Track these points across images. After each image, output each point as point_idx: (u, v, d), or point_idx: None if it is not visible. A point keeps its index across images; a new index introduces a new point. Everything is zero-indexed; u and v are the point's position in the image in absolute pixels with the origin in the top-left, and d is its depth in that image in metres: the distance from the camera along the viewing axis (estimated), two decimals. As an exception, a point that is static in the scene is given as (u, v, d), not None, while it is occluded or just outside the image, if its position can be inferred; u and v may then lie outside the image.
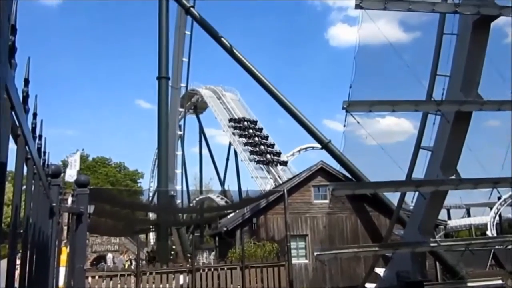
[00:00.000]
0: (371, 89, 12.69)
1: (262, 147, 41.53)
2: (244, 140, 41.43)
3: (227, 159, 48.48)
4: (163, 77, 23.36)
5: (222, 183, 48.26)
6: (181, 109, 30.66)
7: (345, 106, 11.20)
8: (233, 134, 41.79)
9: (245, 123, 43.87)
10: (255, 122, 44.51)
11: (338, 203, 20.35)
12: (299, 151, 48.55)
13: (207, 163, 73.98)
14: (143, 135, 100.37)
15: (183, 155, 31.13)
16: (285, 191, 19.59)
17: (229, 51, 20.44)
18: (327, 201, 20.88)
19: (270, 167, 40.06)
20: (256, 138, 42.46)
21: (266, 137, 43.29)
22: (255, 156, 40.04)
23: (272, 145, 42.47)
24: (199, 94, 49.02)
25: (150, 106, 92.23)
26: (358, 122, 11.42)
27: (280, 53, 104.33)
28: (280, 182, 34.87)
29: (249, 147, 40.69)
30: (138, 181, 59.53)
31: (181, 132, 30.15)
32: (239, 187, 44.12)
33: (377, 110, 11.87)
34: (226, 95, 48.38)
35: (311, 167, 22.06)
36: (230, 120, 43.73)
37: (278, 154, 41.39)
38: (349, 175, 20.04)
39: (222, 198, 36.14)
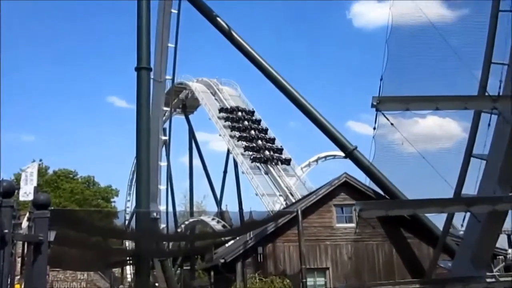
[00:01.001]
0: (407, 82, 12.68)
1: (259, 142, 42.83)
2: (237, 133, 42.69)
3: (225, 172, 48.55)
4: (143, 68, 23.19)
5: (219, 203, 48.35)
6: (166, 108, 30.59)
7: (375, 103, 11.23)
8: (231, 137, 42.47)
9: (239, 113, 44.94)
10: (251, 113, 45.97)
11: (367, 227, 20.32)
12: (316, 160, 48.79)
13: (200, 177, 74.18)
14: (118, 142, 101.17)
15: (168, 166, 30.90)
16: (299, 212, 19.59)
17: (227, 34, 20.52)
18: (353, 224, 20.86)
19: (270, 167, 40.95)
20: (253, 132, 43.86)
21: (265, 130, 44.80)
22: (251, 152, 41.23)
23: (272, 140, 43.79)
24: (189, 89, 49.49)
25: (127, 104, 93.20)
26: (391, 123, 11.43)
27: (291, 39, 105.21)
28: (293, 200, 34.90)
29: (244, 142, 42.06)
30: (112, 200, 59.72)
31: (166, 138, 29.93)
32: (240, 207, 44.13)
33: (416, 108, 11.91)
34: (223, 89, 48.72)
35: (332, 181, 22.07)
36: (221, 110, 44.66)
37: (280, 150, 42.83)
38: (380, 191, 20.02)
39: (218, 222, 36.14)
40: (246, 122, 44.66)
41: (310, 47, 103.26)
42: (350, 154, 20.29)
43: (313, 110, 20.95)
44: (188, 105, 51.09)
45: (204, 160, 50.31)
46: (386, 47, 12.19)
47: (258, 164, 40.65)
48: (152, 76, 24.07)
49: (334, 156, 47.56)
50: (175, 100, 48.75)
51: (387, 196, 19.67)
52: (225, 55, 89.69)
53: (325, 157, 49.02)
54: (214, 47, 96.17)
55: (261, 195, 37.94)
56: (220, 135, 44.22)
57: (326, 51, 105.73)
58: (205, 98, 46.74)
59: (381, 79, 11.74)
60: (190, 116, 51.37)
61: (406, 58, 12.43)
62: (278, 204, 36.81)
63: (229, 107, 45.34)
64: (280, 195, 38.40)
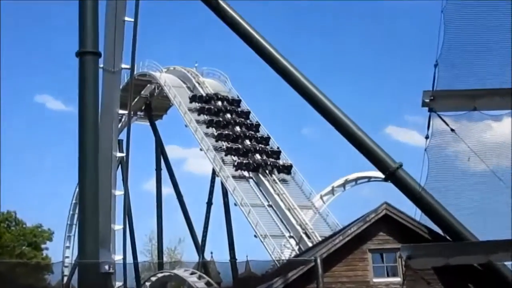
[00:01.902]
0: (475, 68, 12.57)
1: (247, 142, 44.23)
2: (215, 131, 44.32)
3: (209, 203, 48.61)
4: (87, 53, 23.12)
5: (201, 249, 48.28)
6: (122, 112, 30.85)
7: (426, 100, 11.22)
8: (217, 149, 43.15)
9: (219, 103, 46.37)
10: (236, 102, 47.71)
11: (418, 282, 20.19)
12: (342, 185, 48.88)
13: (173, 211, 73.60)
14: (52, 161, 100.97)
15: (126, 196, 30.93)
16: (319, 261, 19.49)
17: (213, 6, 20.69)
18: (398, 279, 20.78)
19: (262, 176, 41.98)
20: (238, 128, 45.28)
21: (256, 126, 46.41)
22: (234, 158, 42.79)
23: (266, 139, 45.51)
24: (155, 83, 49.89)
25: (64, 106, 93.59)
26: (452, 129, 11.39)
27: (305, 11, 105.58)
28: (309, 243, 34.75)
29: (224, 143, 43.68)
30: (44, 246, 59.47)
31: (123, 154, 30.26)
32: (232, 256, 44.03)
33: (487, 107, 11.90)
34: (205, 83, 49.00)
35: (366, 215, 22.03)
36: (193, 98, 45.92)
37: (276, 153, 44.38)
38: (437, 229, 19.96)
39: (200, 277, 36.11)
40: (228, 115, 45.71)
41: (330, 25, 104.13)
42: (392, 175, 20.25)
43: (338, 112, 20.98)
44: (155, 106, 51.47)
45: (179, 186, 50.54)
46: (442, 18, 12.00)
47: (256, 190, 40.77)
48: (101, 65, 24.36)
49: (369, 179, 47.72)
50: (136, 99, 49.08)
51: (447, 236, 19.63)
52: (214, 39, 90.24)
53: (356, 180, 49.17)
54: (196, 26, 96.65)
55: (263, 236, 37.90)
56: (201, 149, 44.53)
57: (353, 25, 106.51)
58: (178, 96, 47.06)
59: (435, 65, 11.66)
60: (158, 122, 51.78)
61: (471, 36, 12.25)
62: (288, 250, 36.72)
63: (204, 94, 45.92)
64: (290, 236, 38.35)
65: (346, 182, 49.10)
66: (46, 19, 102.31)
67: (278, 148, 45.32)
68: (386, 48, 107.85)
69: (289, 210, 40.06)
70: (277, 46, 21.70)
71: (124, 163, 30.98)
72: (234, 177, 41.90)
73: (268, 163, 43.23)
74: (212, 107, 46.21)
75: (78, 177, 22.38)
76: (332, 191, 48.43)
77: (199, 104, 46.11)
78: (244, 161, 42.80)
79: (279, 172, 43.41)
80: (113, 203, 29.42)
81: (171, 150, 63.98)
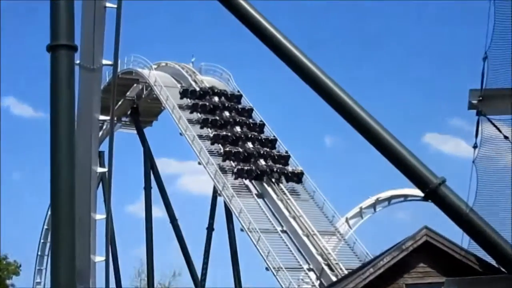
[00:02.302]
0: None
1: (249, 144, 44.40)
2: (211, 132, 44.74)
3: (210, 229, 48.61)
4: (61, 46, 22.93)
5: (200, 284, 48.15)
6: (103, 117, 30.82)
7: (474, 101, 11.23)
8: (213, 153, 43.73)
9: (215, 98, 46.70)
10: (236, 98, 48.12)
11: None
12: (373, 206, 48.70)
13: (166, 239, 73.67)
14: (18, 179, 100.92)
15: (109, 221, 30.96)
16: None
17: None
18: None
19: (266, 185, 42.18)
20: (238, 128, 45.52)
21: (260, 126, 46.85)
22: (234, 163, 43.04)
23: (271, 142, 45.83)
24: (143, 82, 50.18)
25: (32, 111, 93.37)
26: (505, 136, 11.39)
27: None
28: (333, 277, 34.55)
29: (221, 145, 44.20)
30: (9, 282, 59.45)
31: (104, 169, 30.24)
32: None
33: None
34: (204, 81, 49.07)
35: (402, 242, 21.95)
36: (184, 93, 46.16)
37: (284, 158, 44.75)
38: (490, 259, 19.81)
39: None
40: (227, 113, 46.14)
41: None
42: (434, 193, 20.03)
43: (367, 118, 20.86)
44: (143, 111, 51.58)
45: (172, 208, 50.32)
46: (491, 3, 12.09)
47: (267, 211, 40.70)
48: (77, 61, 24.33)
49: (405, 198, 47.67)
50: (120, 102, 49.03)
51: (501, 268, 19.49)
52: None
53: (389, 199, 49.09)
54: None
55: (276, 269, 37.78)
56: (200, 163, 44.63)
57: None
58: (171, 98, 47.11)
59: (484, 59, 11.66)
60: (147, 130, 51.91)
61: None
62: (307, 286, 36.56)
63: (197, 89, 46.07)
64: (309, 269, 38.24)
65: (377, 202, 48.83)
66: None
67: (286, 152, 45.60)
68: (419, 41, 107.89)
69: (307, 236, 39.86)
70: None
71: (106, 180, 30.87)
72: (234, 188, 41.82)
73: (275, 169, 43.34)
74: (207, 104, 46.45)
75: (50, 197, 22.34)
76: (360, 214, 48.15)
77: (192, 100, 46.26)
78: (246, 167, 42.95)
79: (287, 181, 43.59)
80: (93, 230, 29.24)
81: (163, 164, 64.24)
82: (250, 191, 43.06)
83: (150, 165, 50.29)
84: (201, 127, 45.16)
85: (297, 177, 43.93)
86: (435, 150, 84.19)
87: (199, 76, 49.99)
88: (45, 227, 56.12)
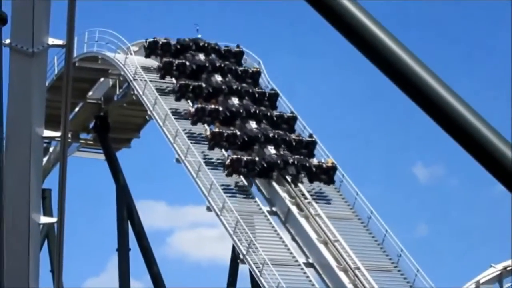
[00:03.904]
0: None
1: (252, 124, 35.41)
2: (192, 107, 35.67)
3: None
4: None
5: None
6: (50, 133, 22.60)
7: None
8: (194, 137, 35.00)
9: (200, 56, 37.81)
10: (234, 56, 39.12)
11: None
12: (497, 279, 39.37)
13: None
14: None
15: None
16: None
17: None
18: None
19: (278, 186, 33.28)
20: (236, 100, 36.53)
21: (270, 98, 37.58)
22: (225, 152, 34.64)
23: (288, 120, 36.72)
24: (116, 73, 40.76)
25: None
26: None
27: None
28: None
29: (206, 125, 35.68)
30: None
31: (52, 220, 23.13)
32: None
33: None
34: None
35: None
36: (150, 50, 37.46)
37: (307, 145, 35.76)
38: None
39: None
40: (218, 77, 37.36)
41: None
42: None
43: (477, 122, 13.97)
44: (115, 122, 41.94)
45: (163, 281, 40.35)
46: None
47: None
48: (7, 40, 19.13)
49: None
50: (78, 108, 41.52)
51: None
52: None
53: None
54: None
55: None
56: (209, 208, 34.71)
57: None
58: (161, 99, 36.92)
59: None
60: (122, 154, 42.42)
61: None
62: None
63: (173, 42, 38.93)
64: None
65: (503, 274, 38.74)
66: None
67: (311, 136, 36.44)
68: None
69: (345, 272, 31.55)
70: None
71: (53, 238, 23.39)
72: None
73: (291, 161, 33.91)
74: (188, 63, 37.13)
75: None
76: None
77: (164, 59, 37.51)
78: (245, 158, 33.72)
79: (311, 180, 34.26)
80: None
81: (147, 211, 53.85)
82: (250, 195, 34.31)
83: (126, 212, 40.01)
84: (177, 99, 36.24)
85: (327, 175, 34.50)
86: None
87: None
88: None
